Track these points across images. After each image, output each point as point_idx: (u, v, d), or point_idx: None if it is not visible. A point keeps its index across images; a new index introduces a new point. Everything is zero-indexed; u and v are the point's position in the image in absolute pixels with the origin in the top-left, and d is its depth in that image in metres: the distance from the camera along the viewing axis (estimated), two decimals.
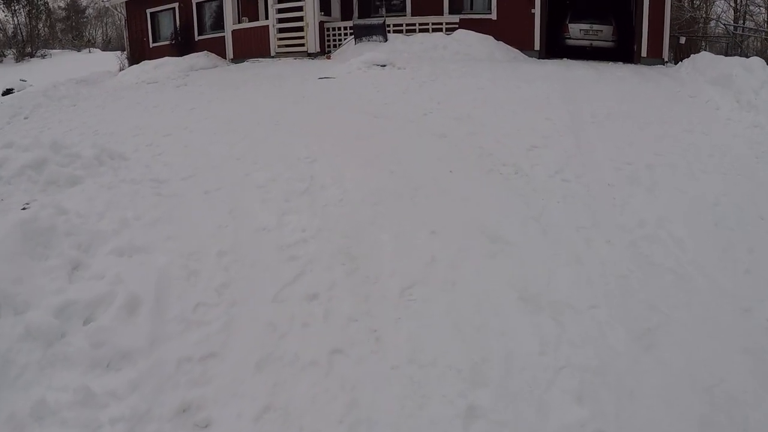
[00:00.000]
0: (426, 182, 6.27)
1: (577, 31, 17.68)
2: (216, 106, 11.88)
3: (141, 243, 5.44)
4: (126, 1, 24.95)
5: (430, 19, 18.06)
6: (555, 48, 17.73)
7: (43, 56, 47.83)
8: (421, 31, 18.02)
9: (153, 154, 8.60)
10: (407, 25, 18.30)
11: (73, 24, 50.84)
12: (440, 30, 17.82)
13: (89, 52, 40.50)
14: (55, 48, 50.67)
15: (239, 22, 20.91)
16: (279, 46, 19.69)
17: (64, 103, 17.10)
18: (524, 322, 4.01)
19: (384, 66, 14.19)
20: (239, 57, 20.71)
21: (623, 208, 5.76)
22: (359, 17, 19.29)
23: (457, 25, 17.65)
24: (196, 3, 22.76)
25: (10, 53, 46.77)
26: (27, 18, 47.95)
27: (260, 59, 19.86)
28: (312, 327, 4.10)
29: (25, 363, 3.77)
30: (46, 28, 49.68)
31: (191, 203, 6.34)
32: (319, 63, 17.50)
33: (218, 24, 21.88)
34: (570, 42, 17.79)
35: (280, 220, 5.61)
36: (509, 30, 17.24)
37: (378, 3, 19.74)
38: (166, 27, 24.20)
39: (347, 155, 7.33)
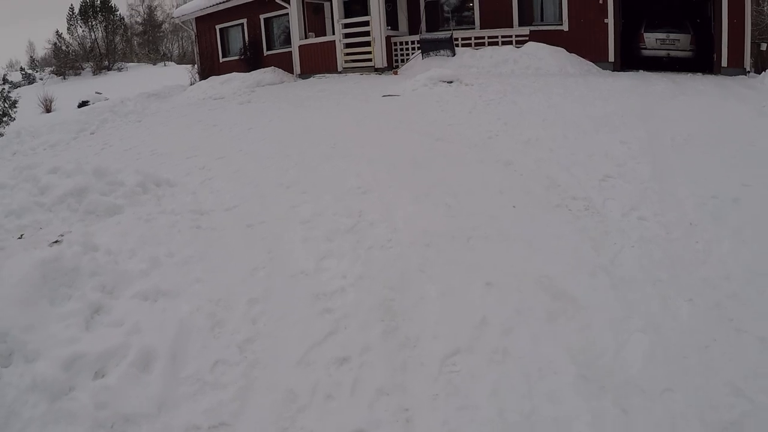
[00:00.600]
0: (485, 220, 5.60)
1: (653, 40, 16.60)
2: (274, 126, 11.54)
3: (168, 286, 4.99)
4: (196, 18, 25.04)
5: (500, 32, 17.28)
6: (630, 59, 16.70)
7: (119, 69, 49.37)
8: (490, 44, 17.27)
9: (202, 180, 8.25)
10: (476, 38, 17.59)
11: (150, 38, 51.91)
12: (510, 43, 17.02)
13: (164, 65, 41.27)
14: (131, 61, 52.13)
15: (306, 38, 20.65)
16: (346, 62, 19.34)
17: (129, 119, 17.16)
18: (583, 408, 3.28)
19: (450, 82, 13.57)
20: (306, 72, 20.44)
21: (707, 256, 4.87)
22: (427, 31, 18.73)
23: (527, 38, 16.82)
24: (264, 18, 22.70)
25: (87, 66, 48.32)
26: (104, 33, 49.33)
27: (327, 75, 19.55)
28: (336, 400, 3.51)
29: (29, 417, 3.41)
30: (123, 43, 50.96)
31: (230, 240, 5.87)
32: (386, 78, 17.03)
33: (286, 39, 21.76)
34: (646, 52, 16.71)
35: (319, 264, 5.06)
36: (582, 41, 16.31)
37: (446, 16, 19.13)
38: (236, 42, 24.26)
39: (402, 186, 6.75)
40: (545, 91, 12.11)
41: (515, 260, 4.83)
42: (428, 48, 17.58)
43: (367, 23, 18.57)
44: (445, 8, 19.27)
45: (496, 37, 17.30)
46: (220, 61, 25.07)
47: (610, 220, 5.49)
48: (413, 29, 19.40)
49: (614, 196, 6.01)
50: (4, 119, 23.89)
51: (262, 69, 21.64)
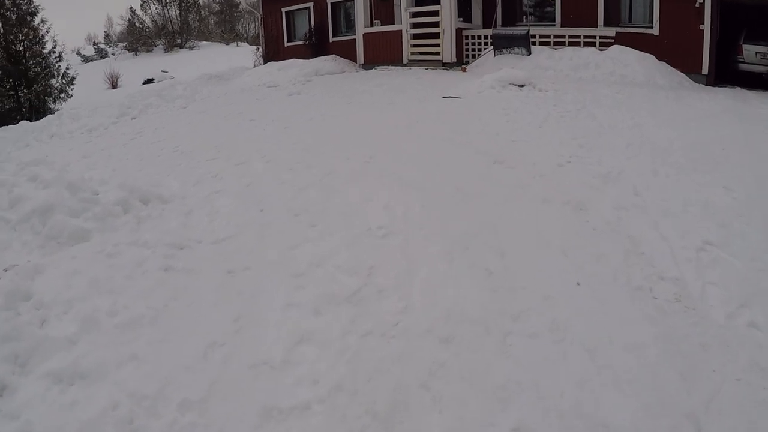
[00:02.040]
0: (535, 303, 3.99)
1: (752, 54, 14.15)
2: (313, 126, 10.17)
3: (91, 364, 3.75)
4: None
5: (582, 31, 15.27)
6: (723, 72, 14.55)
7: (190, 48, 49.28)
8: (570, 44, 15.32)
9: (208, 194, 7.00)
10: (555, 36, 15.65)
11: (226, 18, 51.51)
12: (593, 44, 15.02)
13: (237, 46, 40.49)
14: (204, 40, 51.86)
15: (371, 26, 19.17)
16: (412, 54, 17.80)
17: (175, 105, 16.14)
18: None
19: (522, 86, 11.90)
20: (370, 62, 18.99)
21: None
22: (502, 25, 16.94)
23: (612, 40, 14.76)
24: (331, 3, 21.44)
25: (159, 43, 48.35)
26: (178, 10, 49.26)
27: (390, 66, 18.07)
28: None
29: None
30: (196, 21, 50.83)
31: (200, 292, 4.54)
32: (452, 75, 15.42)
33: (353, 26, 20.27)
34: (743, 67, 14.25)
35: (291, 353, 3.63)
36: (673, 48, 14.08)
37: (525, 10, 17.30)
38: (301, 26, 23.06)
39: (436, 229, 5.22)
40: (630, 105, 10.30)
41: (566, 388, 3.20)
42: (501, 44, 15.84)
43: (437, 13, 16.93)
44: (524, 1, 17.44)
45: (578, 36, 15.32)
46: (285, 46, 23.90)
47: (710, 324, 3.77)
48: (487, 23, 17.61)
49: (716, 280, 4.28)
50: (62, 95, 23.40)
51: (322, 57, 20.35)
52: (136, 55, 49.24)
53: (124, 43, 51.41)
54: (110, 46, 52.77)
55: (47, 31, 22.96)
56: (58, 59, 23.43)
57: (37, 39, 22.72)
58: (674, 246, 4.73)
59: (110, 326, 4.09)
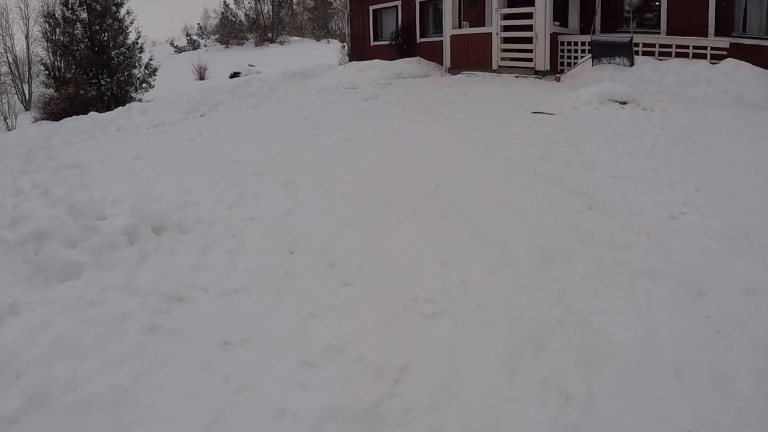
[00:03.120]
0: None
1: None
2: (378, 140, 9.01)
3: None
4: None
5: (691, 41, 13.21)
6: None
7: (281, 43, 49.28)
8: (678, 55, 13.41)
9: (239, 220, 6.05)
10: (661, 46, 13.74)
11: (320, 14, 51.20)
12: (703, 56, 13.01)
13: (327, 42, 39.86)
14: (296, 35, 51.70)
15: (459, 27, 17.85)
16: (502, 59, 16.35)
17: (247, 103, 15.39)
18: None
19: (624, 103, 10.39)
20: (457, 67, 17.69)
21: None
22: (601, 31, 15.25)
23: (725, 52, 12.71)
24: (420, 1, 20.17)
25: (251, 37, 48.56)
26: (271, 5, 49.31)
27: (478, 72, 16.73)
28: None
29: None
30: (288, 16, 50.80)
31: (178, 371, 3.50)
32: (544, 85, 13.95)
33: (441, 26, 18.95)
34: None
35: None
36: None
37: (626, 15, 15.57)
38: (388, 25, 21.97)
39: (501, 311, 3.91)
40: (750, 133, 8.56)
41: None
42: (601, 53, 14.23)
43: (530, 15, 15.35)
44: (626, 5, 15.65)
45: (686, 47, 13.34)
46: (371, 45, 22.87)
47: None
48: (585, 28, 15.92)
49: None
50: (143, 85, 23.19)
51: (406, 59, 19.18)
52: (227, 47, 49.49)
53: (217, 36, 51.76)
54: (203, 38, 53.30)
55: (131, 22, 22.77)
56: (140, 50, 23.20)
57: (121, 29, 22.54)
58: None
59: (61, 406, 3.15)
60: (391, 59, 19.83)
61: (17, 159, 10.68)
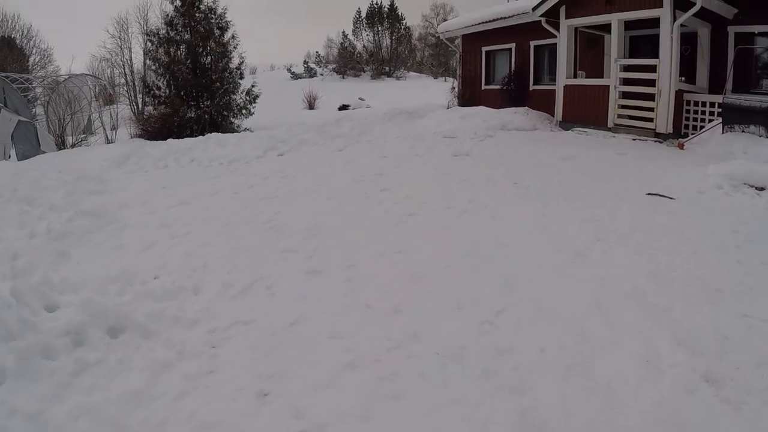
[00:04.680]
0: None
1: None
2: (447, 222, 7.39)
3: None
4: (463, 35, 21.60)
5: None
6: None
7: (397, 78, 48.54)
8: None
9: (223, 326, 4.71)
10: None
11: (441, 51, 50.36)
12: None
13: (444, 80, 38.61)
14: (414, 71, 50.95)
15: (574, 77, 16.02)
16: (619, 116, 14.36)
17: (334, 144, 14.25)
18: None
19: (762, 190, 8.37)
20: (568, 120, 15.82)
21: None
22: (733, 90, 13.02)
23: None
24: (535, 46, 18.50)
25: (368, 69, 48.17)
26: (390, 40, 48.95)
27: (591, 129, 14.80)
28: None
29: None
30: (406, 52, 50.34)
31: None
32: (665, 153, 11.86)
33: (556, 73, 17.14)
34: None
35: None
36: None
37: (761, 72, 13.21)
38: (501, 68, 20.42)
39: None
40: None
41: None
42: (733, 119, 11.94)
43: (654, 68, 13.29)
44: (763, 60, 13.33)
45: None
46: (482, 89, 21.32)
47: None
48: (714, 86, 13.67)
49: None
50: (243, 111, 22.63)
51: (514, 108, 17.42)
52: (343, 78, 49.27)
53: (334, 65, 51.72)
54: (320, 66, 53.39)
55: (235, 47, 22.25)
56: (240, 76, 22.63)
57: (225, 54, 22.06)
58: None
59: None
60: (501, 105, 18.26)
61: (64, 187, 9.75)
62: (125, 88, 33.67)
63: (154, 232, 7.40)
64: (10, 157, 16.66)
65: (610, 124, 14.50)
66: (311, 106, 34.58)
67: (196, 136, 16.56)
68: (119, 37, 35.00)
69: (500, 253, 6.10)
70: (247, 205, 8.62)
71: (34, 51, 39.36)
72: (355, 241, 6.48)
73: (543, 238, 6.55)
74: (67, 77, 26.75)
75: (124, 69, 34.70)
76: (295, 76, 51.01)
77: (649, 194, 8.36)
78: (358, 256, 5.97)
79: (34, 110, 23.71)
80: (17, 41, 39.89)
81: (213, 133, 15.77)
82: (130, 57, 34.83)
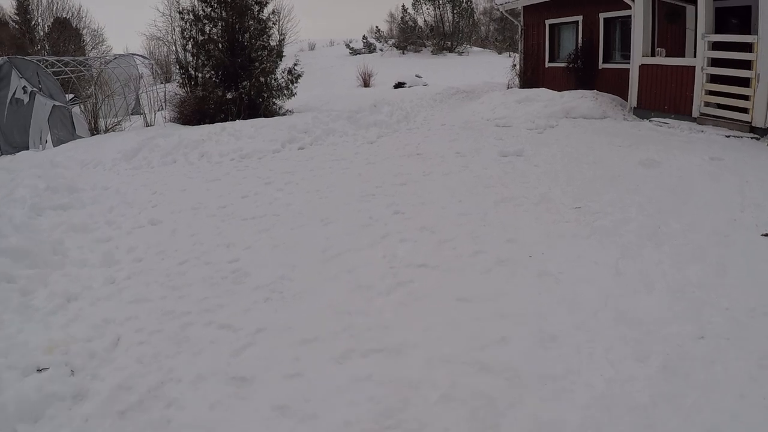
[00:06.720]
0: None
1: None
2: (473, 285, 5.30)
3: None
4: (524, 7, 19.29)
5: None
6: None
7: (460, 53, 46.38)
8: None
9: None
10: None
11: (506, 26, 48.03)
12: None
13: (509, 56, 36.15)
14: (477, 46, 48.69)
15: (651, 55, 13.55)
16: (705, 104, 11.93)
17: (366, 135, 12.62)
18: None
19: None
20: (646, 107, 13.45)
21: None
22: None
23: None
24: (604, 18, 16.08)
25: (429, 45, 46.24)
26: (452, 14, 46.96)
27: (673, 119, 12.44)
28: None
29: None
30: (469, 26, 48.22)
31: None
32: (765, 156, 9.47)
33: (630, 49, 14.65)
34: None
35: None
36: None
37: None
38: (567, 44, 18.14)
39: None
40: None
41: None
42: None
43: (749, 46, 10.74)
44: None
45: None
46: (546, 66, 19.05)
47: None
48: None
49: None
50: (286, 92, 21.00)
51: (580, 91, 15.05)
52: (403, 53, 47.24)
53: (394, 41, 49.74)
54: (380, 42, 51.50)
55: (274, 24, 20.47)
56: (279, 55, 20.87)
57: (264, 31, 20.32)
58: None
59: None
60: (566, 85, 16.19)
61: (30, 200, 8.13)
62: (177, 67, 32.76)
63: (88, 276, 5.71)
64: (46, 142, 15.66)
65: (695, 114, 12.08)
66: (366, 84, 32.77)
67: (232, 120, 15.44)
68: (170, 15, 33.80)
69: (546, 367, 3.76)
70: (221, 230, 6.89)
71: (84, 32, 38.72)
72: (327, 315, 4.52)
73: (618, 332, 4.13)
74: (114, 57, 25.73)
75: (175, 47, 33.60)
76: (354, 52, 49.15)
77: (765, 235, 6.05)
78: (304, 361, 3.95)
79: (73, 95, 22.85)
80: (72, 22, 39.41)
81: (228, 122, 14.22)
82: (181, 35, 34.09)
